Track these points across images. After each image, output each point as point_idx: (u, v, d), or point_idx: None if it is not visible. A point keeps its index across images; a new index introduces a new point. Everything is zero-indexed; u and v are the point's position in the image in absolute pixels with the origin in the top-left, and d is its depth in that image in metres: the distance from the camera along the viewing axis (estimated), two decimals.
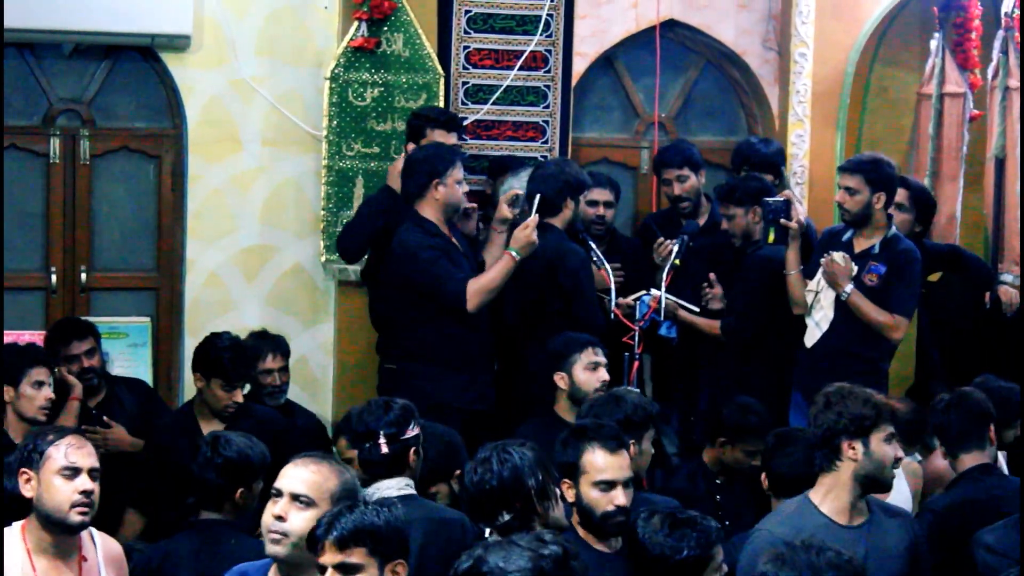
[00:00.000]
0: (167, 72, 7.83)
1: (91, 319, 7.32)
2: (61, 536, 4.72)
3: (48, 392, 6.33)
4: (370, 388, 7.25)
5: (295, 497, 4.35)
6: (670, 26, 8.54)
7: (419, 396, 5.79)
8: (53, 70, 7.83)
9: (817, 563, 3.89)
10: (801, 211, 7.58)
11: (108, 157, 7.93)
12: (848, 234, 7.25)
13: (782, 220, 7.26)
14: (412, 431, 5.14)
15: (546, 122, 8.22)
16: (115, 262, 7.98)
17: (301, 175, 7.98)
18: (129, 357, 7.63)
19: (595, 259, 7.33)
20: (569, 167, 7.42)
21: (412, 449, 5.07)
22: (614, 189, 7.97)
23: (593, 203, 7.80)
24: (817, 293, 7.20)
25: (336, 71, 7.80)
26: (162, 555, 5.20)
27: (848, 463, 4.99)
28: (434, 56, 7.92)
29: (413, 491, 5.02)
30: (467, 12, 8.11)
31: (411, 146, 7.27)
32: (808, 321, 7.26)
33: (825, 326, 7.20)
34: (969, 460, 5.85)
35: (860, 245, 7.20)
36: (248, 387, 7.03)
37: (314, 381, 8.04)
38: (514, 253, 6.90)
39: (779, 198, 7.37)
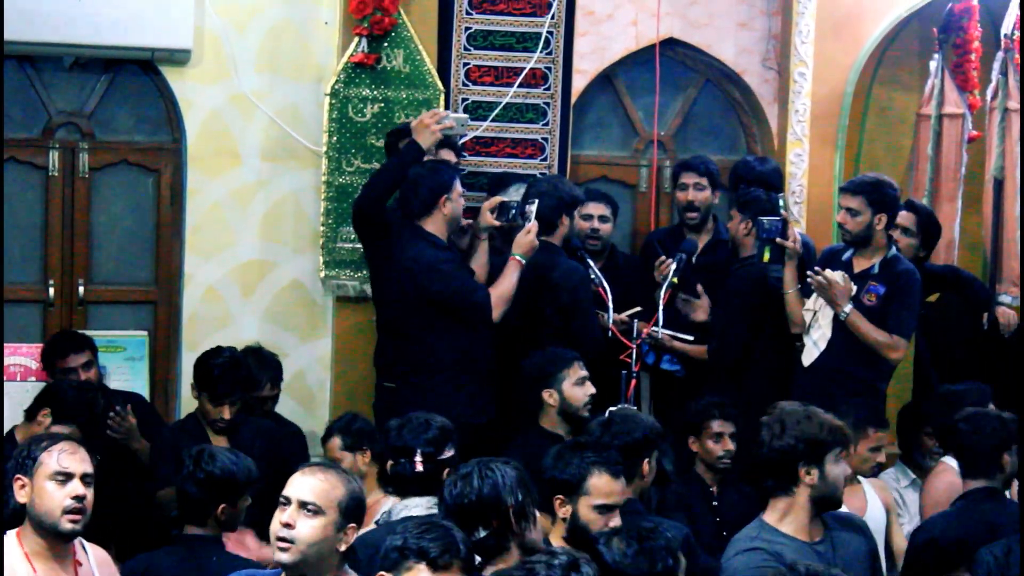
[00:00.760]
0: (167, 86, 7.83)
1: (88, 332, 7.33)
2: (55, 542, 4.74)
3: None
4: (367, 404, 7.26)
5: (303, 504, 4.40)
6: (670, 44, 8.55)
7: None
8: (53, 83, 7.82)
9: None
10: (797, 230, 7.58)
11: (107, 170, 7.91)
12: (848, 253, 7.26)
13: (778, 240, 7.27)
14: (448, 452, 5.22)
15: (545, 139, 8.23)
16: (113, 275, 7.97)
17: (300, 190, 7.98)
18: (126, 371, 7.62)
19: (592, 276, 7.36)
20: (563, 183, 7.51)
21: (446, 471, 5.08)
22: (610, 204, 7.99)
23: (588, 217, 7.86)
24: (815, 312, 7.20)
25: (336, 87, 7.80)
26: (143, 567, 5.20)
27: (804, 488, 5.05)
28: (434, 72, 7.93)
29: None
30: (467, 29, 8.12)
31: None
32: (806, 340, 7.26)
33: (823, 345, 7.20)
34: (974, 483, 5.85)
35: (860, 265, 7.21)
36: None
37: (311, 396, 8.03)
38: (519, 258, 7.01)
39: (775, 218, 7.36)
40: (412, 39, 7.87)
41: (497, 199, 7.28)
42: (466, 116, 7.74)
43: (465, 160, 7.96)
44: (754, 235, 7.45)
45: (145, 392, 7.60)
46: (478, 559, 4.50)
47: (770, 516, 5.10)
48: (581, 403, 6.51)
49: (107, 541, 5.20)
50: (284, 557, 4.38)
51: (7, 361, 7.13)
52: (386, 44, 7.84)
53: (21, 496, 4.74)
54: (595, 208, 7.91)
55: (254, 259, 7.97)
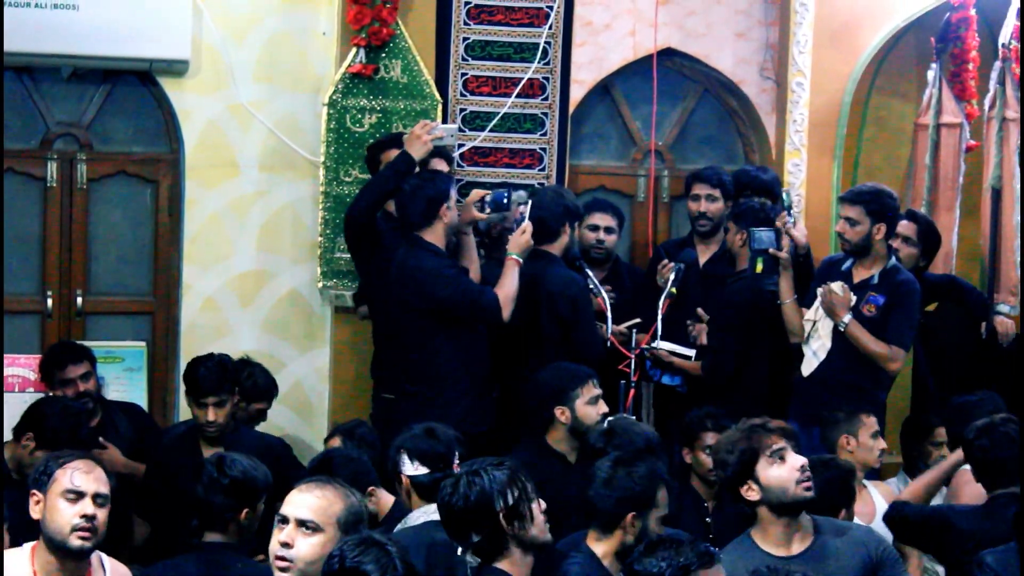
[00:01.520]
0: (165, 97, 7.83)
1: (87, 343, 7.32)
2: (66, 560, 4.72)
3: None
4: (365, 415, 7.25)
5: (301, 523, 4.38)
6: (668, 54, 8.57)
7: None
8: (51, 94, 7.83)
9: None
10: (801, 233, 7.56)
11: (105, 181, 7.92)
12: (847, 263, 7.25)
13: (771, 251, 7.26)
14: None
15: (543, 149, 8.23)
16: (111, 286, 7.97)
17: (298, 201, 7.98)
18: (125, 381, 7.60)
19: (591, 286, 7.36)
20: (567, 194, 7.53)
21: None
22: (616, 215, 8.00)
23: (594, 227, 7.89)
24: (815, 322, 7.20)
25: (334, 97, 7.80)
26: None
27: (756, 502, 5.11)
28: (432, 83, 7.93)
29: None
30: (465, 39, 8.12)
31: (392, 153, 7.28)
32: (805, 350, 7.26)
33: (822, 355, 7.19)
34: (998, 491, 5.86)
35: (859, 275, 7.21)
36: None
37: (309, 406, 8.03)
38: (516, 257, 7.03)
39: (768, 229, 7.34)
40: (410, 49, 7.88)
41: (480, 192, 7.29)
42: (456, 127, 7.75)
43: (463, 171, 7.96)
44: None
45: (143, 403, 7.59)
46: (477, 560, 4.54)
47: (754, 530, 5.16)
48: (592, 422, 6.36)
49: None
50: None
51: (6, 372, 7.12)
52: (384, 54, 7.84)
53: (35, 512, 4.74)
54: (601, 219, 7.92)
55: (252, 269, 7.97)
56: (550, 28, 8.16)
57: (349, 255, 7.66)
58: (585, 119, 8.60)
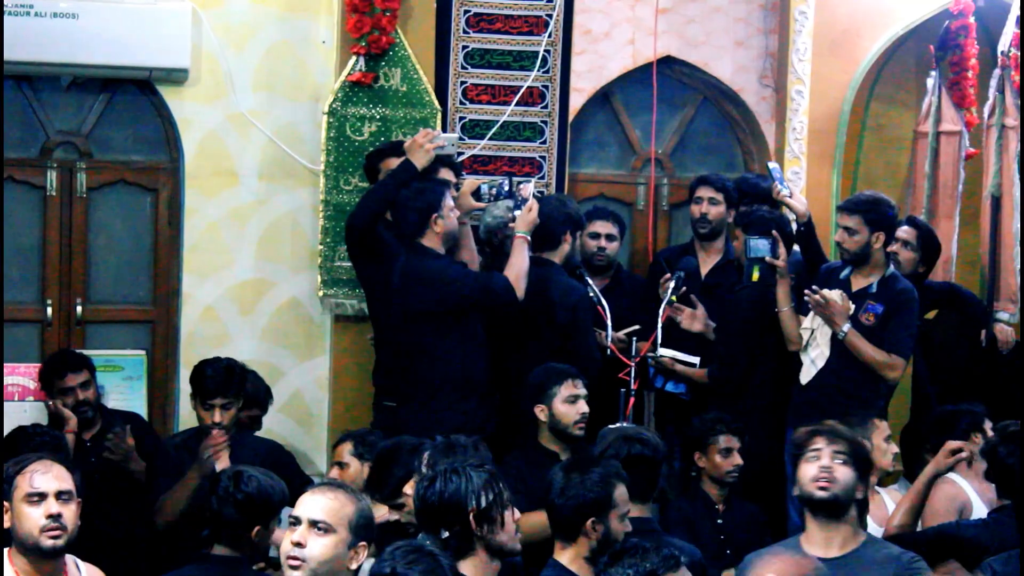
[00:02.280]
0: (164, 105, 7.84)
1: (86, 352, 7.28)
2: (41, 563, 4.75)
3: None
4: (365, 423, 7.23)
5: (314, 523, 4.45)
6: (667, 63, 8.58)
7: (422, 432, 5.89)
8: (51, 103, 7.83)
9: None
10: (800, 203, 7.59)
11: (105, 190, 7.92)
12: (846, 272, 7.25)
13: (768, 259, 7.25)
14: None
15: (543, 157, 8.24)
16: (111, 295, 7.97)
17: (298, 209, 7.98)
18: (124, 390, 7.60)
19: (592, 294, 7.36)
20: (570, 202, 7.57)
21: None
22: (617, 223, 8.01)
23: (595, 235, 7.90)
24: (813, 331, 7.19)
25: (334, 105, 7.81)
26: None
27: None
28: (431, 91, 7.94)
29: None
30: (464, 48, 8.13)
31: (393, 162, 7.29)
32: (803, 357, 7.25)
33: (821, 363, 7.18)
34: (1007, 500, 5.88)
35: (858, 283, 7.20)
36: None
37: (309, 415, 8.03)
38: (523, 234, 7.08)
39: (764, 238, 7.33)
40: (409, 58, 7.88)
41: (475, 181, 7.32)
42: (456, 136, 7.76)
43: (463, 179, 7.95)
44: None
45: (143, 411, 7.58)
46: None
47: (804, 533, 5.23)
48: (571, 421, 6.39)
49: (101, 561, 5.16)
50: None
51: (5, 381, 7.12)
52: (384, 63, 7.84)
53: (6, 520, 4.76)
54: (603, 226, 7.93)
55: (252, 278, 7.97)
56: (549, 36, 8.17)
57: (349, 263, 7.66)
58: (585, 127, 8.60)
